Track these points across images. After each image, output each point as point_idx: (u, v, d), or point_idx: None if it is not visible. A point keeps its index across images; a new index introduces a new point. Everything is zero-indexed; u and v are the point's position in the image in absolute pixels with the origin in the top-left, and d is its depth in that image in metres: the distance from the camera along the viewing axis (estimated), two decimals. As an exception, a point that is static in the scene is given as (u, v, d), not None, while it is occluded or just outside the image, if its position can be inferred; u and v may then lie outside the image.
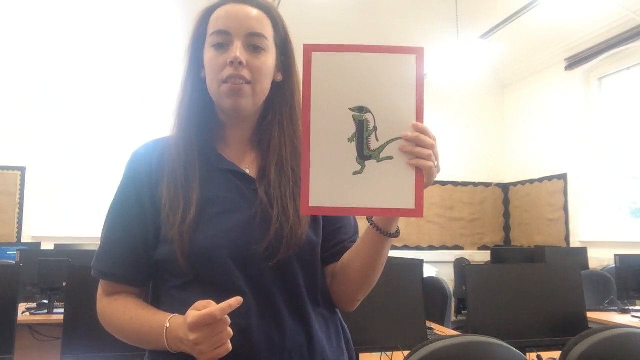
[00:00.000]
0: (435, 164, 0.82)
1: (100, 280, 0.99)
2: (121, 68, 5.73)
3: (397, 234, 0.92)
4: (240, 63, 0.92)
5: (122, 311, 0.94)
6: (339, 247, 1.02)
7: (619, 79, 5.44)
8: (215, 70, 0.94)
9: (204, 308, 0.79)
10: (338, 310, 1.05)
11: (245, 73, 0.93)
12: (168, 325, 0.86)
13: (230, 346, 0.80)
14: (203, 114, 0.99)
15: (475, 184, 6.70)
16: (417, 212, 0.81)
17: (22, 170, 5.52)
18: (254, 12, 0.96)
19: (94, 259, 0.98)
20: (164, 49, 5.52)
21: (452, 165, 6.50)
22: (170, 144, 0.97)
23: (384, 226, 0.90)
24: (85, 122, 5.88)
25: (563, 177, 5.77)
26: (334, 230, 1.03)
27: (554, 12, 4.86)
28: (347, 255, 0.99)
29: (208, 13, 0.99)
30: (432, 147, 0.81)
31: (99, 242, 0.99)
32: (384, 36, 5.60)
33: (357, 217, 1.09)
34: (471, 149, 6.69)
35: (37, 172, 5.60)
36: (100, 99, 5.89)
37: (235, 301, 0.78)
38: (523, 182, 6.45)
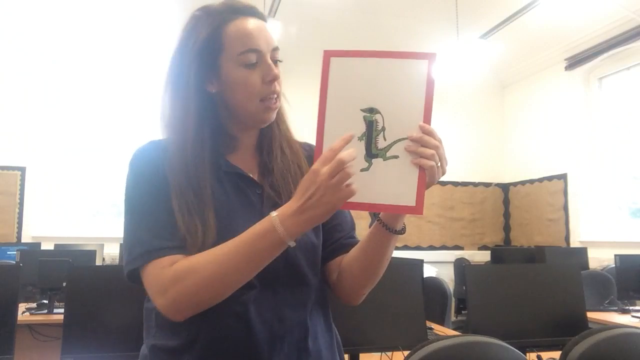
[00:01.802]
0: (439, 164, 0.85)
1: (149, 265, 0.87)
2: (121, 69, 5.73)
3: (403, 231, 0.95)
4: (278, 80, 0.97)
5: (206, 254, 0.86)
6: (337, 244, 1.06)
7: (619, 79, 5.44)
8: (251, 88, 0.95)
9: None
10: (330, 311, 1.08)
11: (278, 87, 0.98)
12: (277, 214, 0.83)
13: (355, 189, 0.80)
14: (212, 129, 0.97)
15: (475, 184, 6.70)
16: (417, 209, 0.83)
17: (22, 170, 5.53)
18: (266, 25, 1.00)
19: (139, 247, 0.89)
20: (164, 50, 5.52)
21: (452, 165, 6.34)
22: (176, 159, 0.93)
23: (390, 223, 0.93)
24: (85, 122, 5.89)
25: (563, 177, 5.77)
26: (330, 228, 1.06)
27: (554, 12, 4.87)
28: (353, 252, 1.02)
29: (218, 27, 0.95)
30: (436, 147, 0.84)
31: (123, 236, 0.93)
32: (384, 36, 5.60)
33: (356, 216, 1.11)
34: (471, 149, 6.69)
35: (37, 172, 5.61)
36: (100, 99, 5.90)
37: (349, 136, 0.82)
38: (523, 182, 6.45)
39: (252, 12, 0.98)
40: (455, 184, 6.60)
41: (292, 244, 0.84)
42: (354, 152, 0.81)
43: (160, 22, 5.42)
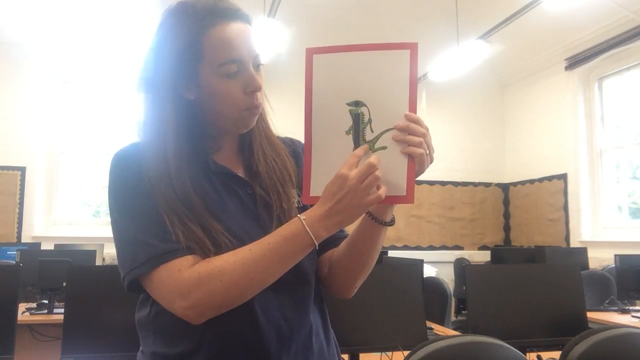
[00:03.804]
0: (427, 152, 0.85)
1: (160, 269, 0.84)
2: (121, 69, 5.73)
3: (392, 223, 0.95)
4: (260, 90, 0.94)
5: (232, 256, 0.84)
6: (327, 238, 1.05)
7: (619, 79, 5.44)
8: (232, 99, 0.92)
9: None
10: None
11: (260, 96, 0.95)
12: (304, 217, 0.84)
13: (383, 193, 0.83)
14: (192, 134, 0.94)
15: (475, 184, 6.70)
16: (408, 198, 0.84)
17: (22, 170, 5.53)
18: (249, 29, 0.94)
19: (146, 252, 0.85)
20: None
21: (452, 165, 6.50)
22: (158, 172, 0.89)
23: (380, 215, 0.93)
24: (85, 122, 5.89)
25: (563, 177, 5.78)
26: None
27: (554, 12, 4.86)
28: (343, 245, 1.02)
29: (199, 31, 0.90)
30: (423, 135, 0.84)
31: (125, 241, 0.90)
32: (383, 37, 5.58)
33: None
34: (471, 149, 6.69)
35: (37, 172, 5.61)
36: (100, 99, 5.90)
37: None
38: (523, 182, 6.45)
39: (235, 15, 0.92)
40: (455, 184, 6.61)
41: (317, 246, 0.85)
42: (378, 158, 0.83)
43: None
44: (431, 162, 0.87)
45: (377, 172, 0.81)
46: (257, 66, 0.94)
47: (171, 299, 0.84)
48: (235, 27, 0.91)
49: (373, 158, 0.82)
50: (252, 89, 0.92)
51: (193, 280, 0.83)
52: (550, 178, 5.98)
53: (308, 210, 0.85)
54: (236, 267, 0.83)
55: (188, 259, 0.85)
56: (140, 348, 0.99)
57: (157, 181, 0.88)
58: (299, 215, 0.84)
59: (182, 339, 0.91)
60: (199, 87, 0.92)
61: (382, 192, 0.82)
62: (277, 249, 0.84)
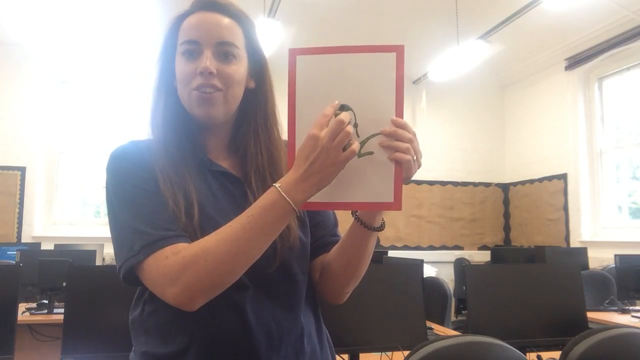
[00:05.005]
0: (415, 158, 0.83)
1: (151, 257, 0.85)
2: (122, 68, 5.73)
3: (381, 228, 0.94)
4: (211, 73, 0.93)
5: (214, 235, 0.84)
6: (320, 242, 1.05)
7: (619, 79, 5.44)
8: (186, 79, 0.94)
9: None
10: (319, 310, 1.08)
11: (216, 82, 0.94)
12: (280, 184, 0.81)
13: (356, 147, 0.80)
14: (179, 122, 0.98)
15: (475, 184, 6.70)
16: (395, 205, 0.82)
17: (22, 170, 5.53)
18: (225, 20, 0.96)
19: (140, 240, 0.86)
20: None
21: (452, 165, 6.50)
22: (153, 149, 0.96)
23: (368, 220, 0.92)
24: (85, 122, 5.89)
25: (563, 177, 5.78)
26: (313, 226, 1.05)
27: (554, 12, 4.87)
28: (334, 250, 1.01)
29: (178, 22, 0.98)
30: (410, 141, 0.82)
31: (118, 234, 0.91)
32: (383, 37, 5.60)
33: (342, 212, 1.10)
34: (471, 149, 6.69)
35: (37, 172, 5.61)
36: (100, 99, 5.90)
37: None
38: (523, 182, 6.45)
39: (214, 7, 0.97)
40: (455, 184, 6.60)
41: (298, 212, 0.83)
42: (350, 113, 0.80)
43: (157, 25, 5.42)
44: (419, 167, 0.85)
45: (348, 128, 0.78)
46: (223, 54, 0.95)
47: (162, 286, 0.84)
48: (206, 15, 0.96)
49: (342, 115, 0.78)
50: (200, 69, 0.93)
51: (179, 264, 0.82)
52: (550, 178, 5.98)
53: (284, 177, 0.82)
54: (219, 245, 0.82)
55: (177, 245, 0.85)
56: (133, 348, 0.98)
57: (157, 157, 0.93)
58: (274, 184, 0.82)
59: (173, 338, 0.91)
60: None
61: (355, 146, 0.79)
62: (258, 220, 0.82)
